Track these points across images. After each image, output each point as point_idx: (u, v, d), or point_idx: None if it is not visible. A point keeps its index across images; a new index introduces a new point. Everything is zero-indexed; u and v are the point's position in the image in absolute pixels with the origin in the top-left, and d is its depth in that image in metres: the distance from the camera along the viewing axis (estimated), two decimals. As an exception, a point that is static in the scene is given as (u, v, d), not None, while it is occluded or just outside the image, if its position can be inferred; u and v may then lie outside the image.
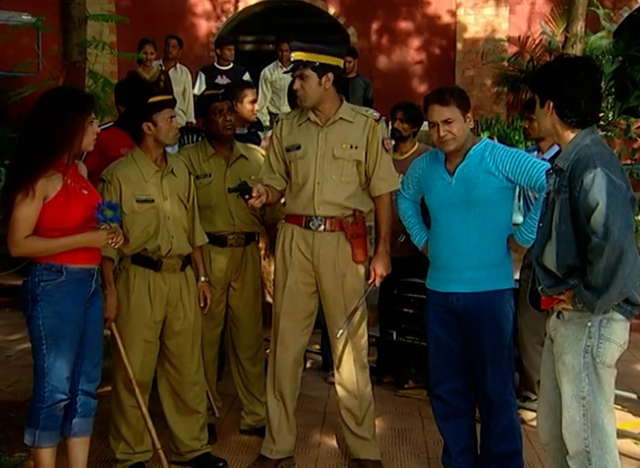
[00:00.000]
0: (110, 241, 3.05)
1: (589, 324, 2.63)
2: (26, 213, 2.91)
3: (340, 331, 3.45)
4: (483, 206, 3.20)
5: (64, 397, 3.04)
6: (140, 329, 3.43)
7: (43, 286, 2.98)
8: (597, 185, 2.50)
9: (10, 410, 4.20)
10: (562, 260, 2.62)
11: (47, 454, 3.06)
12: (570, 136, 2.68)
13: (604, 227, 2.47)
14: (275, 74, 7.65)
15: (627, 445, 3.89)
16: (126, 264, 3.45)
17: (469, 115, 3.24)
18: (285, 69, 7.19)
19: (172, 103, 3.53)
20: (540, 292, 2.74)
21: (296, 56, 3.41)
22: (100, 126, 4.69)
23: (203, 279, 3.66)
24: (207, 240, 3.68)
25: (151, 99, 3.48)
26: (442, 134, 3.18)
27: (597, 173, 2.52)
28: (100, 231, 3.04)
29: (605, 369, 2.65)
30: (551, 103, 2.67)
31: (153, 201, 3.42)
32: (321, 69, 3.39)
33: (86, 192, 3.09)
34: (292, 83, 3.74)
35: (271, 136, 3.63)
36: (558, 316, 2.72)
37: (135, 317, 3.41)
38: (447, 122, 3.18)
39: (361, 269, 3.51)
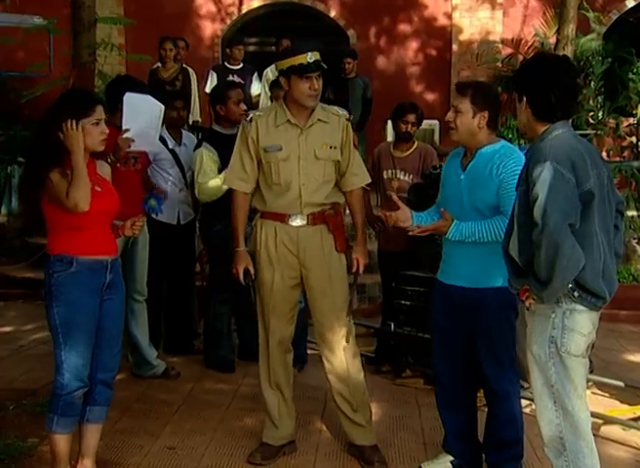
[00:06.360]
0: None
1: (553, 315, 2.68)
2: (61, 183, 2.99)
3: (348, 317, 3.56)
4: (482, 206, 3.20)
5: (82, 385, 3.09)
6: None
7: (56, 277, 3.05)
8: (542, 179, 2.53)
9: (24, 398, 4.25)
10: (523, 249, 2.64)
11: (62, 440, 3.13)
12: (540, 129, 2.74)
13: (541, 220, 2.52)
14: (276, 74, 7.75)
15: (616, 431, 3.96)
16: None
17: (484, 115, 3.19)
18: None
19: None
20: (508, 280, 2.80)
21: (317, 55, 3.40)
22: None
23: None
24: None
25: None
26: (447, 118, 3.26)
27: (545, 166, 2.54)
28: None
29: (571, 358, 2.68)
30: (525, 98, 2.74)
31: None
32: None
33: (99, 189, 3.13)
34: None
35: (241, 136, 3.53)
36: (528, 308, 2.76)
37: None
38: (456, 110, 3.23)
39: (343, 258, 3.56)
